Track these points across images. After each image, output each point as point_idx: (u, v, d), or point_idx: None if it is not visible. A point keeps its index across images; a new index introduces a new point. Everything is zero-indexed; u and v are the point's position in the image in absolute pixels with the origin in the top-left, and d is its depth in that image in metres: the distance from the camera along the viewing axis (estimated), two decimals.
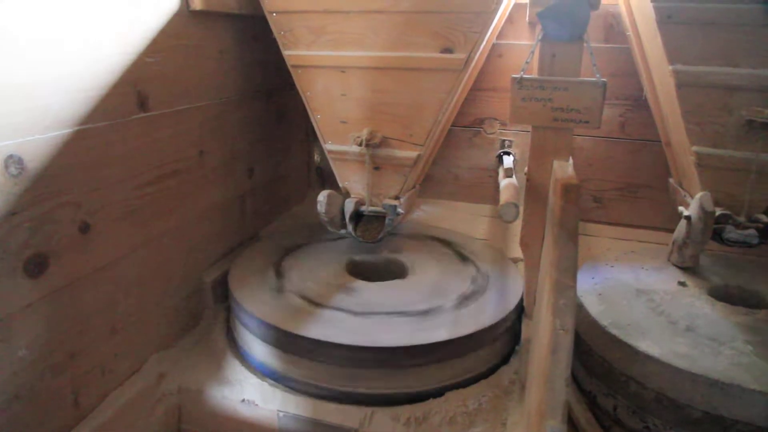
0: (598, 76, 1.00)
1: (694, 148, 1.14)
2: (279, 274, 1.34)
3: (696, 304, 1.10)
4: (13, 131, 0.82)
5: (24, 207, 0.84)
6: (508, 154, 1.65)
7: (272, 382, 1.15)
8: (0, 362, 0.83)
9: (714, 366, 0.90)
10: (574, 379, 1.15)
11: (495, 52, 1.61)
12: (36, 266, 0.88)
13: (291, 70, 1.33)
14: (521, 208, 1.16)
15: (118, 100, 1.02)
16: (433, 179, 1.79)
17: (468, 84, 1.54)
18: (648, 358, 0.95)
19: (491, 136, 1.70)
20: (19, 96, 0.83)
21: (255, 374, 1.18)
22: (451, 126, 1.70)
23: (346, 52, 1.26)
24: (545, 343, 0.82)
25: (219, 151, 1.37)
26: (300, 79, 1.33)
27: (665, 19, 1.10)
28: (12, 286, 0.84)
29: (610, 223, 1.66)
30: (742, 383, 0.86)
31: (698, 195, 1.12)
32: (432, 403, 1.09)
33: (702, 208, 1.09)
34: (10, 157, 0.82)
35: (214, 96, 1.33)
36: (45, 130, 0.87)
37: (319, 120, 1.35)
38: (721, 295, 1.16)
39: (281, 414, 1.09)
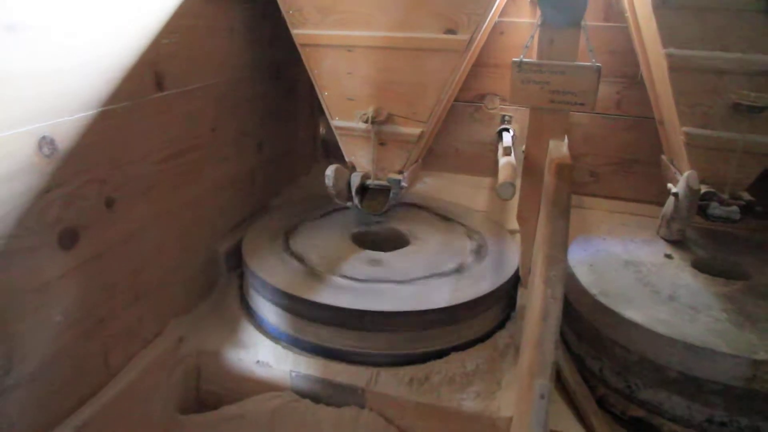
0: (593, 60, 1.05)
1: (684, 128, 1.19)
2: (288, 243, 1.41)
3: (680, 275, 1.18)
4: (45, 114, 0.88)
5: (56, 185, 0.91)
6: (507, 130, 1.70)
7: (284, 344, 1.24)
8: (41, 327, 0.91)
9: (691, 332, 0.98)
10: (565, 343, 1.23)
11: (497, 29, 1.65)
12: (68, 239, 0.95)
13: (299, 48, 1.37)
14: (518, 186, 1.23)
15: (137, 82, 1.07)
16: (435, 152, 1.85)
17: (470, 62, 1.58)
18: (632, 324, 1.03)
19: (492, 111, 1.76)
20: (49, 81, 0.88)
21: (268, 337, 1.26)
22: (453, 101, 1.75)
23: (353, 32, 1.31)
24: (537, 310, 0.89)
25: (230, 128, 1.43)
26: (308, 58, 1.38)
27: (661, 4, 1.14)
28: (48, 258, 0.91)
29: (604, 197, 1.73)
30: (714, 347, 0.94)
31: (686, 173, 1.18)
32: (433, 365, 1.16)
33: (688, 186, 1.16)
34: (43, 138, 0.88)
35: (226, 74, 1.39)
36: (73, 112, 0.93)
37: (326, 97, 1.40)
38: (703, 267, 1.23)
39: (293, 374, 1.17)
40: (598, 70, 1.04)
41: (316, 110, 1.96)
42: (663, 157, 1.43)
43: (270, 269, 1.28)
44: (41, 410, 0.92)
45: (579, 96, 1.06)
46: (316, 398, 1.16)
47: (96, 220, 1.00)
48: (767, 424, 0.94)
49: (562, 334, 1.24)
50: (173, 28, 1.15)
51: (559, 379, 1.16)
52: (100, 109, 0.99)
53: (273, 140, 1.69)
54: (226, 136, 1.42)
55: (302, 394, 1.17)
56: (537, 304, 0.91)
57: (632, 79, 1.56)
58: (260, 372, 1.20)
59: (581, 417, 1.08)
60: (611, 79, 1.59)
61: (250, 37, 1.48)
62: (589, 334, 1.13)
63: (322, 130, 2.02)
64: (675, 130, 1.25)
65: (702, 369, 0.95)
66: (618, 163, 1.69)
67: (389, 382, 1.13)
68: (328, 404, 1.15)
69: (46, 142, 0.88)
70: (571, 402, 1.12)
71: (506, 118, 1.75)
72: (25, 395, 0.89)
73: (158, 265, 1.19)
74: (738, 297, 1.10)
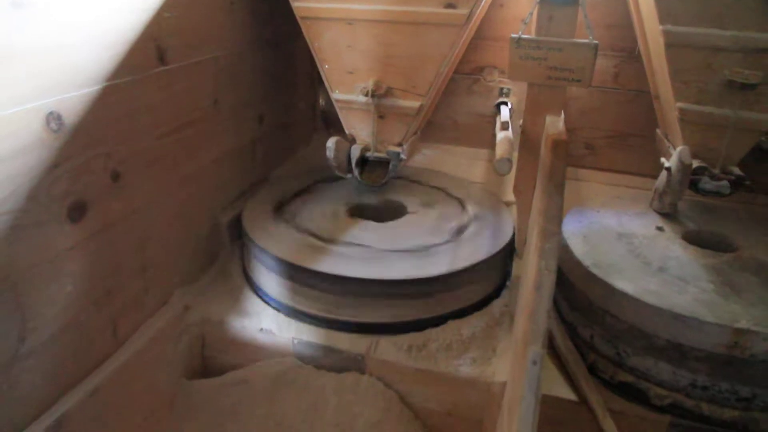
0: (591, 38, 1.07)
1: (678, 104, 1.21)
2: (288, 214, 1.44)
3: (670, 248, 1.22)
4: (52, 90, 0.89)
5: (64, 159, 0.92)
6: (506, 104, 1.72)
7: (287, 312, 1.28)
8: (53, 297, 0.94)
9: (678, 302, 1.02)
10: (558, 312, 1.27)
11: (497, 2, 1.65)
12: (77, 212, 0.97)
13: (299, 21, 1.38)
14: (515, 161, 1.25)
15: (140, 56, 1.08)
16: (434, 125, 1.86)
17: (470, 35, 1.59)
18: (623, 294, 1.07)
19: (490, 84, 1.77)
20: (55, 57, 0.89)
21: (271, 306, 1.30)
22: (452, 74, 1.75)
23: (354, 5, 1.31)
24: (531, 281, 0.92)
25: (231, 100, 1.44)
26: (308, 30, 1.38)
27: None
28: (58, 231, 0.93)
29: (600, 169, 1.75)
30: (699, 316, 0.98)
31: (679, 148, 1.21)
32: (431, 332, 1.20)
33: (681, 160, 1.19)
34: (51, 113, 0.89)
35: (227, 47, 1.39)
36: (79, 88, 0.94)
37: (326, 70, 1.41)
38: (694, 239, 1.26)
39: (296, 341, 1.21)
40: (595, 47, 1.06)
41: (315, 82, 1.96)
42: (658, 131, 1.45)
43: (270, 239, 1.31)
44: (54, 377, 0.96)
45: (576, 72, 1.08)
46: (318, 364, 1.21)
47: (103, 194, 1.02)
48: (745, 387, 0.99)
49: (555, 303, 1.28)
50: (174, 2, 1.15)
51: (552, 346, 1.20)
52: (104, 84, 1.00)
53: (273, 112, 1.70)
54: (228, 109, 1.43)
55: (305, 361, 1.21)
56: (531, 275, 0.94)
57: (630, 53, 1.57)
58: (263, 339, 1.24)
59: (572, 382, 1.13)
60: (609, 53, 1.60)
61: (250, 10, 1.48)
62: (581, 303, 1.17)
63: (321, 101, 2.03)
64: (669, 106, 1.27)
65: (688, 337, 1.00)
66: (614, 137, 1.71)
67: (388, 349, 1.17)
68: (329, 370, 1.19)
69: (53, 118, 0.90)
70: (563, 368, 1.17)
71: (504, 90, 1.76)
72: (39, 363, 0.92)
73: (163, 236, 1.22)
74: (725, 269, 1.14)
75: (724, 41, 1.14)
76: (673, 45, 1.17)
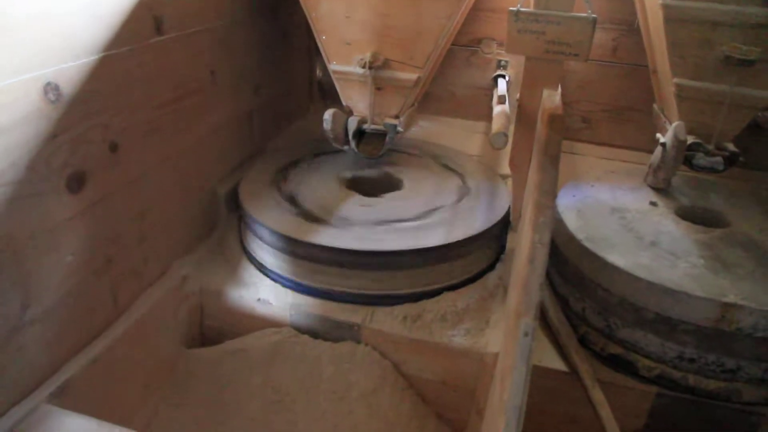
0: (589, 11, 1.06)
1: (675, 79, 1.22)
2: (285, 186, 1.44)
3: (663, 222, 1.23)
4: (49, 60, 0.89)
5: (62, 130, 0.92)
6: (503, 77, 1.71)
7: (283, 283, 1.29)
8: (54, 267, 0.95)
9: (669, 276, 1.04)
10: (551, 285, 1.29)
11: None
12: (76, 183, 0.98)
13: None
14: (511, 136, 1.25)
15: (137, 26, 1.07)
16: (431, 96, 1.86)
17: (468, 7, 1.57)
18: (614, 268, 1.08)
19: (488, 56, 1.76)
20: (51, 26, 0.89)
21: (268, 277, 1.31)
22: (450, 45, 1.74)
23: None
24: (525, 254, 0.94)
25: (228, 71, 1.43)
26: (306, 0, 1.37)
27: None
28: (57, 202, 0.94)
29: (596, 143, 1.76)
30: (688, 291, 1.00)
31: (674, 124, 1.21)
32: (426, 303, 1.22)
33: (676, 136, 1.20)
34: (48, 84, 0.89)
35: (223, 17, 1.38)
36: (76, 58, 0.94)
37: (324, 41, 1.40)
38: (686, 214, 1.28)
39: (293, 311, 1.23)
40: (594, 21, 1.05)
41: (312, 53, 1.95)
42: (655, 106, 1.45)
43: (266, 212, 1.32)
44: (57, 344, 0.98)
45: (573, 47, 1.08)
46: (314, 334, 1.23)
47: (101, 164, 1.03)
48: (731, 359, 1.02)
49: (548, 276, 1.30)
50: None
51: (544, 318, 1.23)
52: (101, 54, 0.99)
53: (270, 83, 1.69)
54: (225, 80, 1.42)
55: (301, 330, 1.23)
56: (525, 248, 0.95)
57: (630, 26, 1.56)
58: (261, 309, 1.26)
59: (563, 353, 1.16)
60: (608, 26, 1.59)
61: None
62: (574, 276, 1.19)
63: (318, 72, 2.02)
64: (667, 81, 1.27)
65: (677, 311, 1.02)
66: (611, 111, 1.71)
67: (384, 320, 1.19)
68: (325, 339, 1.22)
69: (51, 88, 0.90)
70: (554, 340, 1.19)
71: (502, 63, 1.75)
72: (42, 330, 0.94)
73: (161, 207, 1.23)
74: (716, 244, 1.16)
75: (723, 16, 1.13)
76: (671, 19, 1.17)
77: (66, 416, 0.89)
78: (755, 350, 1.01)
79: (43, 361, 0.96)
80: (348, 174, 1.51)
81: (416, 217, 1.32)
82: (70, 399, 0.96)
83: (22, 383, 0.92)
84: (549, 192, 0.98)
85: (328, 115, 1.41)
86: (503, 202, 1.40)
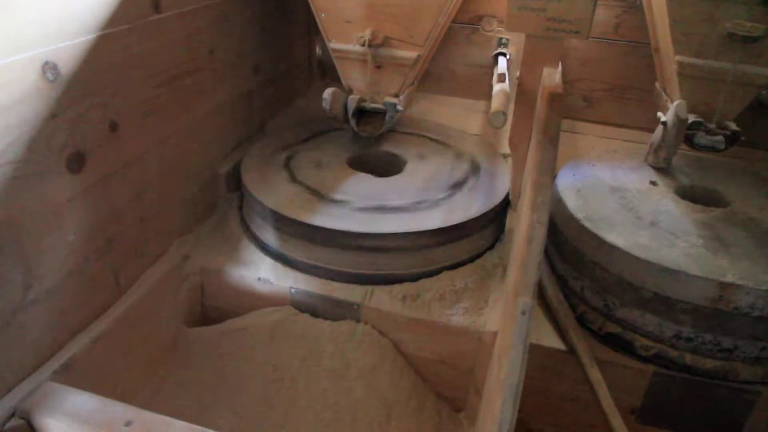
0: None
1: (677, 57, 1.20)
2: (285, 165, 1.44)
3: (662, 202, 1.23)
4: (47, 38, 0.88)
5: (62, 110, 0.92)
6: (504, 55, 1.70)
7: (284, 262, 1.30)
8: (56, 247, 0.95)
9: (667, 256, 1.04)
10: (550, 264, 1.30)
11: None
12: (76, 163, 0.98)
13: None
14: (510, 115, 1.25)
15: (135, 4, 1.06)
16: (431, 75, 1.84)
17: None
18: (613, 247, 1.09)
19: (489, 33, 1.74)
20: (49, 4, 0.88)
21: (268, 256, 1.32)
22: (451, 23, 1.72)
23: None
24: (523, 234, 0.95)
25: (227, 50, 1.42)
26: None
27: None
28: (58, 181, 0.94)
29: (597, 122, 1.75)
30: (687, 270, 1.00)
31: (675, 103, 1.21)
32: (425, 282, 1.22)
33: (677, 115, 1.19)
34: (46, 63, 0.88)
35: None
36: (74, 36, 0.93)
37: (323, 19, 1.39)
38: (686, 194, 1.27)
39: (293, 290, 1.24)
40: None
41: (312, 31, 1.93)
42: (657, 84, 1.44)
43: (267, 192, 1.32)
44: (59, 324, 0.99)
45: (574, 24, 1.07)
46: (314, 313, 1.24)
47: (101, 144, 1.03)
48: (727, 338, 1.03)
49: (548, 255, 1.30)
50: None
51: (542, 297, 1.24)
52: (100, 33, 0.99)
53: (269, 62, 1.68)
54: (224, 59, 1.41)
55: (301, 309, 1.24)
56: (523, 228, 0.96)
57: (632, 3, 1.54)
58: (261, 288, 1.26)
59: (561, 332, 1.17)
60: (611, 3, 1.57)
61: None
62: (572, 256, 1.19)
63: (318, 51, 2.00)
64: (669, 59, 1.25)
65: (675, 290, 1.02)
66: (612, 89, 1.70)
67: (383, 299, 1.20)
68: (325, 318, 1.23)
69: (49, 67, 0.89)
70: (553, 319, 1.20)
71: (503, 41, 1.74)
72: (44, 310, 0.95)
73: (161, 187, 1.23)
74: (715, 224, 1.16)
75: None
76: None
77: (70, 393, 0.90)
78: (752, 329, 1.02)
79: (47, 340, 0.97)
80: (349, 153, 1.51)
81: (417, 198, 1.32)
82: (73, 377, 0.97)
83: (26, 361, 0.93)
84: (547, 171, 0.98)
85: (327, 94, 1.40)
86: (503, 182, 1.40)
